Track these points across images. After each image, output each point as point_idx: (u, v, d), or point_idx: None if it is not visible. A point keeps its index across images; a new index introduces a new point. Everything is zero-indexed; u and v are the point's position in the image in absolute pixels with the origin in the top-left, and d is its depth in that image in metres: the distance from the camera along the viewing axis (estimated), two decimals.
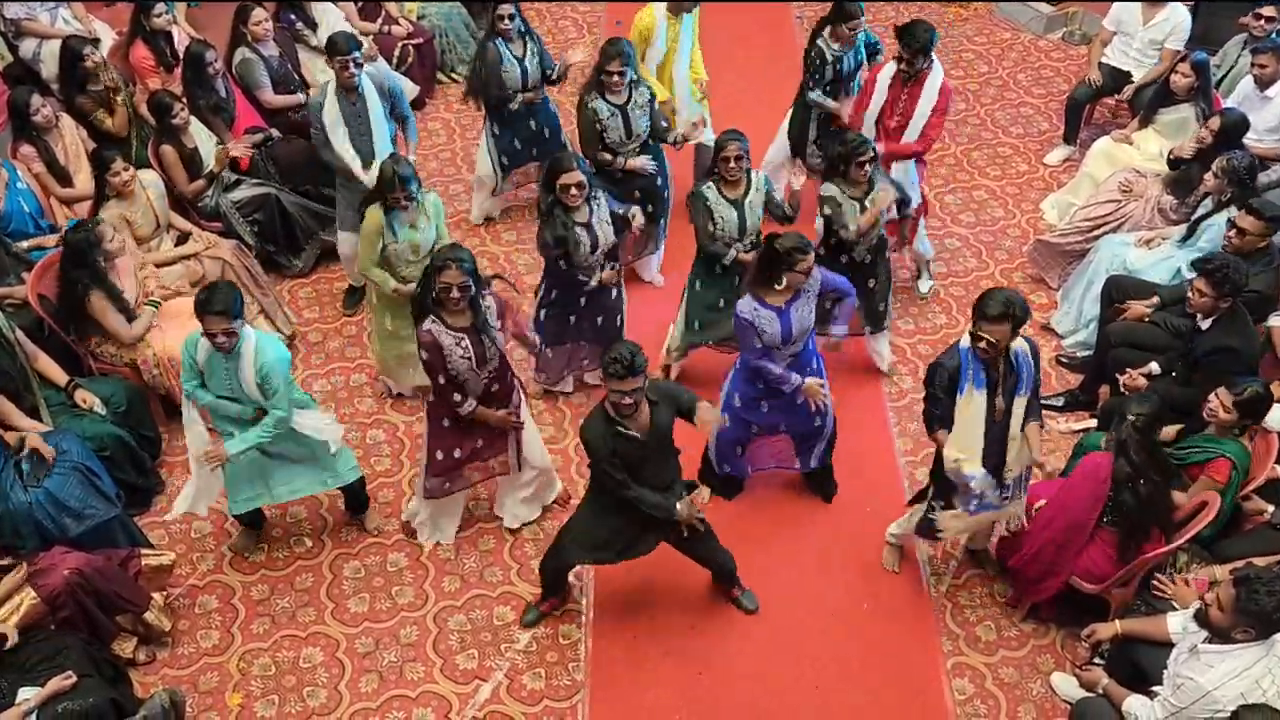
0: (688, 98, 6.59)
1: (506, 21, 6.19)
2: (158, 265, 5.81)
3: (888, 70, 5.98)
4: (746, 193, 5.37)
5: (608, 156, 5.95)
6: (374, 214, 5.23)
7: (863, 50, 6.35)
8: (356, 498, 5.27)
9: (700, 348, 5.76)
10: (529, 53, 6.32)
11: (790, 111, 6.58)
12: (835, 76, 6.27)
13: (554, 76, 6.48)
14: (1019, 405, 4.36)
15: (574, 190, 5.10)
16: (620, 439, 4.22)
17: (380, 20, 7.81)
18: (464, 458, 4.93)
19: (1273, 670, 3.66)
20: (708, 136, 6.45)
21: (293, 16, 7.23)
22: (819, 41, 6.23)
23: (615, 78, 5.77)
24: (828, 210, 5.43)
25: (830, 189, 5.40)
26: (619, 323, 5.70)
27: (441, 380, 4.62)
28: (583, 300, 5.50)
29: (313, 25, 7.22)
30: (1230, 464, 4.52)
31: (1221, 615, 3.69)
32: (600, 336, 5.65)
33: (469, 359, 4.57)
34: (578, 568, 4.95)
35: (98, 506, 4.79)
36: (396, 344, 5.60)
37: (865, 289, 5.62)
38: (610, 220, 5.32)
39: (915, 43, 5.74)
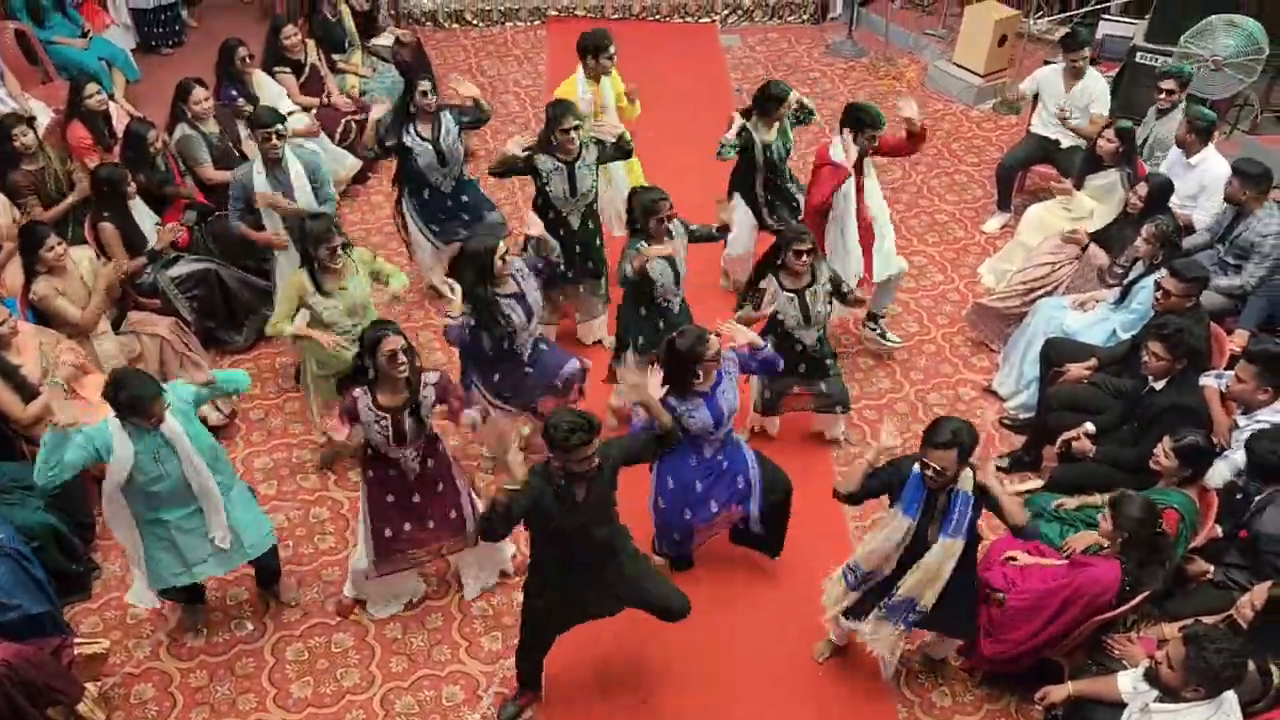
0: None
1: (425, 97, 6.26)
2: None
3: (839, 150, 5.94)
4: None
5: (533, 215, 5.82)
6: (296, 277, 5.30)
7: (790, 136, 6.46)
8: (266, 571, 5.12)
9: None
10: (443, 130, 6.37)
11: (735, 201, 6.61)
12: (766, 164, 6.41)
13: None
14: (943, 546, 4.19)
15: (498, 262, 5.12)
16: (559, 505, 4.08)
17: (323, 95, 7.84)
18: (411, 531, 4.85)
19: None
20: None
21: (233, 93, 7.23)
22: (747, 128, 6.31)
23: (570, 134, 5.87)
24: (755, 300, 5.46)
25: (769, 282, 5.44)
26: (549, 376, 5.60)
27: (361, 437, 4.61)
28: (526, 367, 5.44)
29: (254, 101, 7.22)
30: (1178, 515, 4.57)
31: (1172, 674, 3.71)
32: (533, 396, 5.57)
33: (385, 436, 4.54)
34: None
35: (22, 600, 4.61)
36: (327, 385, 5.55)
37: (825, 371, 5.72)
38: (536, 276, 5.34)
39: (874, 122, 5.87)
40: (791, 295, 5.43)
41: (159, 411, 4.30)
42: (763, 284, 5.49)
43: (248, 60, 7.29)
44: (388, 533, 4.81)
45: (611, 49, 6.62)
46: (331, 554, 5.52)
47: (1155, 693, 3.81)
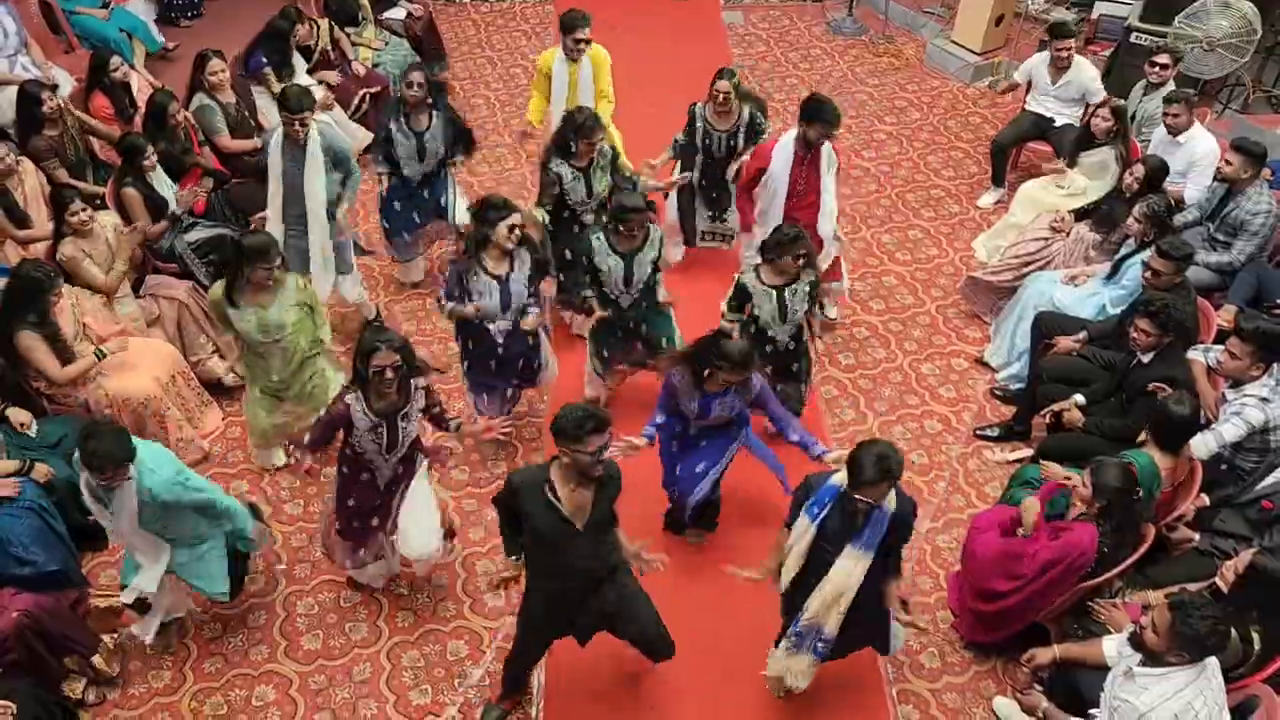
0: None
1: (411, 89, 6.23)
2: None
3: (785, 147, 5.98)
4: (641, 248, 5.46)
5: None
6: (215, 288, 5.22)
7: (740, 136, 6.46)
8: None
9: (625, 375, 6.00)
10: (433, 124, 6.35)
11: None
12: (704, 151, 6.50)
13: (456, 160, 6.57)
14: (850, 557, 4.03)
15: (503, 231, 5.17)
16: (548, 514, 3.91)
17: (340, 68, 7.93)
18: (365, 531, 4.88)
19: (1204, 692, 3.75)
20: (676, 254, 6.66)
21: (263, 60, 7.32)
22: (695, 106, 6.45)
23: (585, 146, 5.87)
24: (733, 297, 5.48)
25: (748, 277, 5.40)
26: (536, 366, 5.71)
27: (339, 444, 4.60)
28: (499, 348, 5.51)
29: (291, 72, 7.34)
30: (1134, 472, 4.58)
31: (1157, 639, 3.77)
32: (525, 378, 5.74)
33: (378, 445, 4.50)
34: None
35: (40, 554, 4.73)
36: (265, 418, 5.57)
37: (789, 373, 5.66)
38: (527, 282, 5.33)
39: (832, 119, 5.81)
40: (769, 291, 5.36)
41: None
42: (743, 282, 5.42)
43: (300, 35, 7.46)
44: (355, 523, 4.83)
45: (580, 32, 6.51)
46: (309, 520, 5.61)
47: (1139, 657, 3.87)
